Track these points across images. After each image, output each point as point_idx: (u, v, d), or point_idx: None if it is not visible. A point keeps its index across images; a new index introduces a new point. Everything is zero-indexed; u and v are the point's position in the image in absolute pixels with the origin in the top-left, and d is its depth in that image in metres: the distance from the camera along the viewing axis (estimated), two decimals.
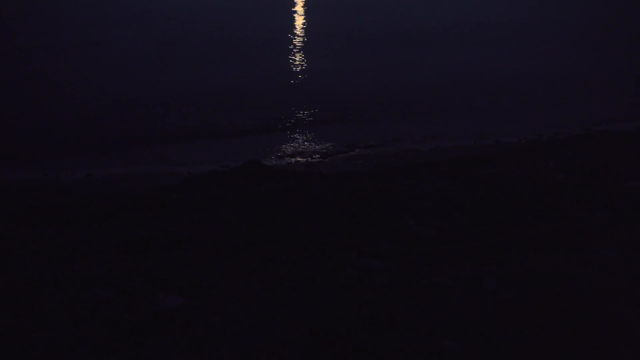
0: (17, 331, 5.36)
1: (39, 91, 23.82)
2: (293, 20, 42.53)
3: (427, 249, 6.98)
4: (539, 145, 16.14)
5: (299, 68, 28.47)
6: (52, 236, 8.83)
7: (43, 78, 25.80)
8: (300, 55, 30.97)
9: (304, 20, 42.31)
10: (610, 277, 6.01)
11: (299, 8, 47.65)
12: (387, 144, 18.41)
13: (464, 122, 20.80)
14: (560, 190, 9.39)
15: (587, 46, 32.95)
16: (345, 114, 21.49)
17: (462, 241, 7.29)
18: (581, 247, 7.00)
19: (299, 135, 19.00)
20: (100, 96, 22.84)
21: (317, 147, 17.98)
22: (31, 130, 19.21)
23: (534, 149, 14.88)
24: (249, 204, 9.56)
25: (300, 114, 21.23)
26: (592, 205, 8.43)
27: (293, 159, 16.80)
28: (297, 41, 34.56)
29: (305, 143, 18.29)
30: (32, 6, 46.09)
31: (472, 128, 20.27)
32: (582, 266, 6.35)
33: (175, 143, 18.26)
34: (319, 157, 16.99)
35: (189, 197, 10.80)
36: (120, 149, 17.75)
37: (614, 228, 7.44)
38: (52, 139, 18.52)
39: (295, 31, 37.81)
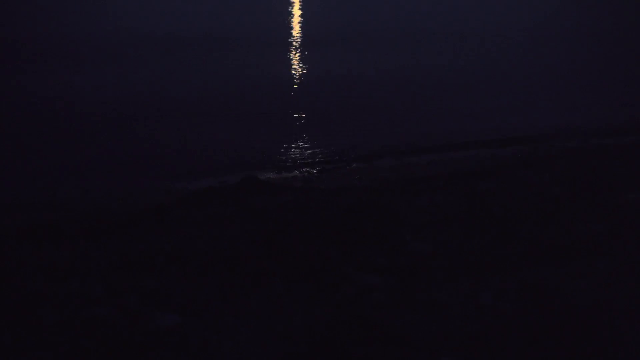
0: (15, 350, 5.36)
1: (32, 104, 23.83)
2: (288, 26, 42.64)
3: (424, 264, 7.00)
4: (535, 158, 16.19)
5: (295, 80, 28.58)
6: (49, 254, 8.83)
7: (34, 90, 25.80)
8: (296, 65, 31.09)
9: (299, 24, 42.41)
10: (607, 289, 6.04)
11: (296, 9, 47.78)
12: (384, 158, 18.45)
13: (462, 134, 20.88)
14: (556, 204, 9.43)
15: (586, 54, 33.24)
16: (343, 127, 21.56)
17: (459, 256, 7.32)
18: (578, 260, 7.03)
19: (295, 150, 19.06)
20: (95, 110, 22.85)
21: (314, 161, 18.02)
22: (27, 147, 19.23)
23: (530, 162, 14.94)
24: (246, 220, 9.58)
25: (297, 128, 21.30)
26: (588, 218, 8.47)
27: (290, 174, 16.83)
28: (292, 47, 34.67)
29: (302, 157, 18.33)
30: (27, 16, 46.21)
31: (469, 141, 20.34)
32: (579, 279, 6.38)
33: (172, 158, 18.28)
34: (316, 172, 17.02)
35: (186, 214, 10.82)
36: (117, 165, 17.76)
37: (610, 241, 7.48)
38: (47, 155, 18.52)
39: (289, 38, 37.92)
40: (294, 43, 35.75)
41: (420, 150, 19.23)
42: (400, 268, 6.89)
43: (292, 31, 39.61)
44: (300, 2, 47.27)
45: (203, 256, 7.85)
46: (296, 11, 46.88)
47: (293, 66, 31.00)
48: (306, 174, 16.83)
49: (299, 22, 42.23)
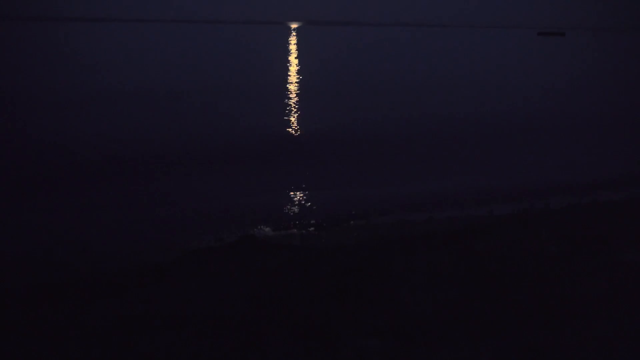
0: None
1: (30, 159, 23.98)
2: (287, 77, 43.31)
3: (424, 327, 6.98)
4: (531, 216, 16.23)
5: (291, 138, 28.90)
6: (46, 315, 8.77)
7: (32, 147, 26.00)
8: (294, 122, 31.50)
9: (298, 78, 43.07)
10: (606, 353, 6.01)
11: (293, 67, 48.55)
12: (382, 215, 18.48)
13: (458, 191, 21.05)
14: (553, 263, 9.45)
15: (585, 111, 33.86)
16: (341, 184, 21.72)
17: (458, 317, 7.30)
18: (578, 322, 7.01)
19: (293, 208, 19.13)
20: (92, 169, 23.03)
21: (311, 219, 18.03)
22: (22, 207, 19.25)
23: (526, 220, 14.97)
24: (244, 281, 9.56)
25: (294, 186, 21.42)
26: (586, 279, 8.48)
27: (288, 232, 16.83)
28: (292, 102, 35.20)
29: (300, 216, 18.35)
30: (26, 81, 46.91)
31: (465, 197, 20.46)
32: (580, 343, 6.36)
33: (169, 216, 18.31)
34: (313, 230, 17.04)
35: (184, 274, 10.80)
36: (115, 224, 17.77)
37: (610, 302, 7.48)
38: (43, 215, 18.53)
39: (289, 95, 38.50)
40: (291, 101, 36.28)
41: (417, 207, 19.32)
42: (399, 330, 6.87)
43: (289, 90, 40.21)
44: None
45: (202, 317, 7.82)
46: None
47: (290, 123, 31.40)
48: (304, 232, 16.85)
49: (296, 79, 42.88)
